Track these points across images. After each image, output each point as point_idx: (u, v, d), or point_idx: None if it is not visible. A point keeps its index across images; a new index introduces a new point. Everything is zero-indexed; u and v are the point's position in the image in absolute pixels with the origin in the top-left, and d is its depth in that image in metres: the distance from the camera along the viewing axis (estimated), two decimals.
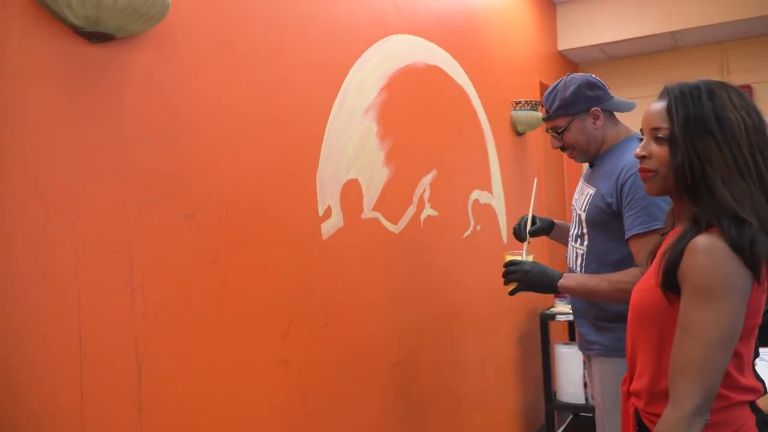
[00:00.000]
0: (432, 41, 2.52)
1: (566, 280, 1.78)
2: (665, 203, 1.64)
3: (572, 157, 1.95)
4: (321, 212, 1.81)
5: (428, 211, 2.41)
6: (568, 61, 4.58)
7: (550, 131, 1.93)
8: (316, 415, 1.73)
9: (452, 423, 2.52)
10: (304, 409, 1.69)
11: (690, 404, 1.06)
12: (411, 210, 2.30)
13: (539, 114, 3.38)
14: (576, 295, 1.87)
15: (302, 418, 1.68)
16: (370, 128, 2.06)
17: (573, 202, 2.03)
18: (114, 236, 1.23)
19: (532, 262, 1.83)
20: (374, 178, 2.08)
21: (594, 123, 1.86)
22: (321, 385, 1.76)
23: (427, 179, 2.42)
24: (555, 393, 3.27)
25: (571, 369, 3.17)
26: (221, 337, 1.45)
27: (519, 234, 2.04)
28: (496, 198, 3.09)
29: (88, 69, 1.20)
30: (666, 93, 1.26)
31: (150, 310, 1.28)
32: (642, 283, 1.28)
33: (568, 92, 1.87)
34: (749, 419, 1.18)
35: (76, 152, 1.17)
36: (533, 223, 2.01)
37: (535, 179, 2.17)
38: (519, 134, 3.43)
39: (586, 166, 2.06)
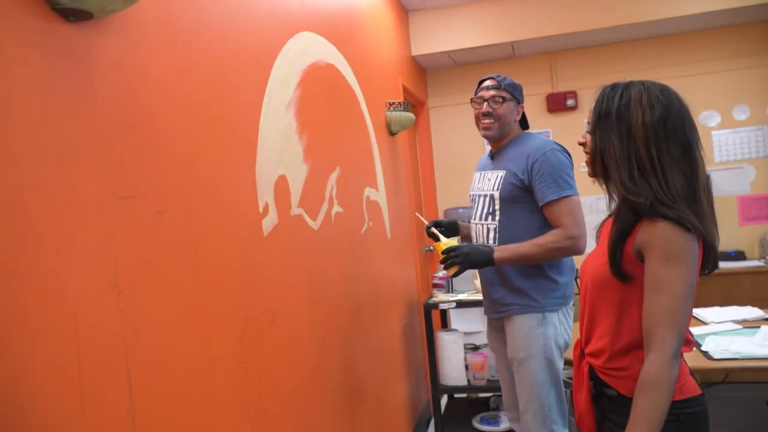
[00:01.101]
0: (328, 39, 2.55)
1: (500, 253, 2.10)
2: (570, 176, 2.08)
3: (487, 128, 2.28)
4: (261, 209, 1.77)
5: (336, 207, 2.45)
6: (419, 66, 4.85)
7: (489, 99, 2.25)
8: (270, 413, 1.69)
9: (352, 414, 2.57)
10: (260, 408, 1.64)
11: (670, 348, 1.24)
12: (325, 206, 2.31)
13: (411, 115, 3.55)
14: (510, 263, 2.15)
15: (258, 417, 1.63)
16: (291, 124, 2.05)
17: (474, 191, 2.40)
18: (97, 233, 1.11)
19: (467, 244, 2.15)
20: (297, 174, 2.07)
21: (516, 114, 2.30)
22: (275, 384, 1.72)
23: (334, 176, 2.45)
24: (438, 377, 3.46)
25: (453, 354, 3.38)
26: (191, 337, 1.37)
27: (431, 233, 2.34)
28: (381, 195, 3.20)
29: (61, 49, 1.08)
30: (598, 93, 1.47)
31: (134, 312, 1.18)
32: (596, 258, 1.45)
33: (516, 83, 2.30)
34: (685, 366, 1.40)
35: (56, 139, 1.05)
36: (436, 225, 2.38)
37: (417, 213, 2.84)
38: (392, 134, 3.58)
39: (480, 164, 2.47)
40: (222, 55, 1.61)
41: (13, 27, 0.98)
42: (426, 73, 5.06)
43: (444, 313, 3.88)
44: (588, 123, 1.47)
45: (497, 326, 2.39)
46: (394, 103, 3.49)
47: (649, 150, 1.33)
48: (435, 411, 3.42)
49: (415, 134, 4.84)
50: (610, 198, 1.45)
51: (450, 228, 2.41)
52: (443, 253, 2.09)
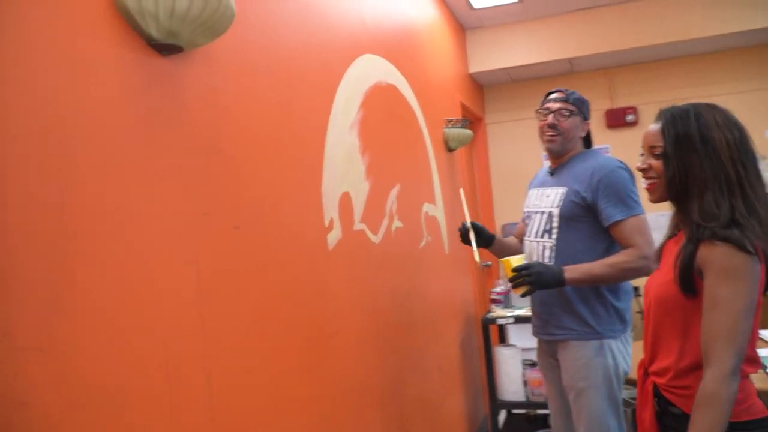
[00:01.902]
0: (389, 60, 2.65)
1: (571, 273, 2.00)
2: (636, 194, 2.02)
3: (550, 141, 2.22)
4: (326, 223, 1.86)
5: (396, 222, 2.52)
6: (477, 83, 4.90)
7: (555, 111, 2.20)
8: (342, 411, 1.77)
9: (406, 425, 2.62)
10: (329, 407, 1.73)
11: (728, 364, 1.25)
12: (385, 222, 2.39)
13: (469, 132, 3.61)
14: (580, 284, 2.07)
15: (330, 414, 1.72)
16: (354, 143, 2.14)
17: (529, 207, 2.34)
18: (182, 245, 1.22)
19: (539, 263, 2.05)
20: (360, 190, 2.16)
21: (581, 130, 2.25)
22: (341, 385, 1.80)
23: (394, 192, 2.53)
24: (496, 392, 3.47)
25: (512, 369, 3.39)
26: (262, 342, 1.47)
27: (466, 238, 2.26)
28: (438, 210, 3.26)
29: (158, 80, 1.20)
30: (660, 116, 1.49)
31: (213, 319, 1.29)
32: (661, 277, 1.47)
33: (584, 99, 2.26)
34: (752, 387, 1.40)
35: (149, 161, 1.16)
36: (474, 227, 2.25)
37: (461, 189, 2.51)
38: (450, 150, 3.64)
39: (536, 180, 2.40)
40: (291, 81, 1.72)
41: (116, 61, 1.10)
42: (483, 90, 5.10)
43: (502, 328, 3.89)
44: (651, 148, 1.48)
45: (549, 350, 2.28)
46: (452, 120, 3.55)
47: (737, 169, 1.36)
48: (492, 426, 3.43)
49: (471, 150, 4.89)
50: (680, 222, 1.48)
51: (484, 237, 2.29)
52: (514, 270, 1.97)
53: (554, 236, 2.17)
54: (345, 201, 2.02)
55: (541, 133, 2.25)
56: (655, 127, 1.48)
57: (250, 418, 1.39)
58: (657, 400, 1.49)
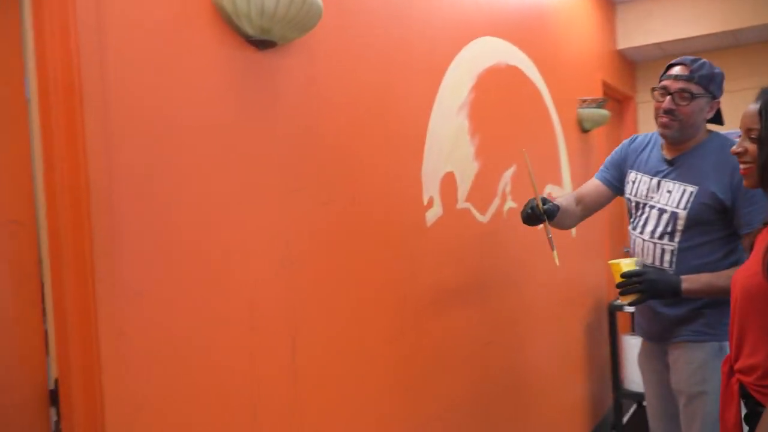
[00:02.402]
0: (510, 42, 2.66)
1: (690, 284, 1.81)
2: None
3: (665, 126, 1.93)
4: (425, 202, 1.97)
5: (510, 203, 2.56)
6: (627, 60, 4.66)
7: (674, 92, 1.89)
8: (427, 381, 1.89)
9: (523, 407, 2.65)
10: (413, 377, 1.85)
11: None
12: (496, 202, 2.44)
13: (605, 112, 3.49)
14: (700, 296, 1.87)
15: (412, 383, 1.85)
16: (462, 125, 2.21)
17: (641, 198, 2.05)
18: (273, 218, 1.41)
19: (653, 269, 1.86)
20: (466, 171, 2.23)
21: (706, 112, 1.92)
22: (429, 357, 1.92)
23: (509, 173, 2.56)
24: (622, 382, 3.38)
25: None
26: (350, 311, 1.62)
27: (535, 217, 1.95)
28: (566, 191, 3.21)
29: (255, 71, 1.38)
30: (760, 95, 1.40)
31: (300, 285, 1.46)
32: (747, 269, 1.40)
33: (716, 72, 1.91)
34: None
35: (246, 143, 1.35)
36: (543, 202, 1.93)
37: (524, 151, 2.07)
38: (584, 131, 3.54)
39: (644, 159, 2.09)
40: (392, 66, 1.84)
41: (219, 57, 1.30)
42: (635, 67, 4.83)
43: (633, 316, 3.74)
44: (748, 130, 1.40)
45: (657, 352, 2.11)
46: (586, 99, 3.45)
47: None
48: (616, 416, 3.35)
49: (620, 130, 4.67)
50: None
51: (553, 211, 1.94)
52: (623, 276, 1.80)
53: (677, 239, 1.93)
54: (448, 180, 2.11)
55: (656, 115, 1.96)
56: (753, 107, 1.40)
57: (333, 380, 1.55)
58: (745, 400, 1.42)
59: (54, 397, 1.06)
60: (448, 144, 2.12)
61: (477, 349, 2.23)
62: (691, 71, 1.88)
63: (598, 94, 3.84)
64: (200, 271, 1.23)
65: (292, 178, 1.47)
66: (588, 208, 2.20)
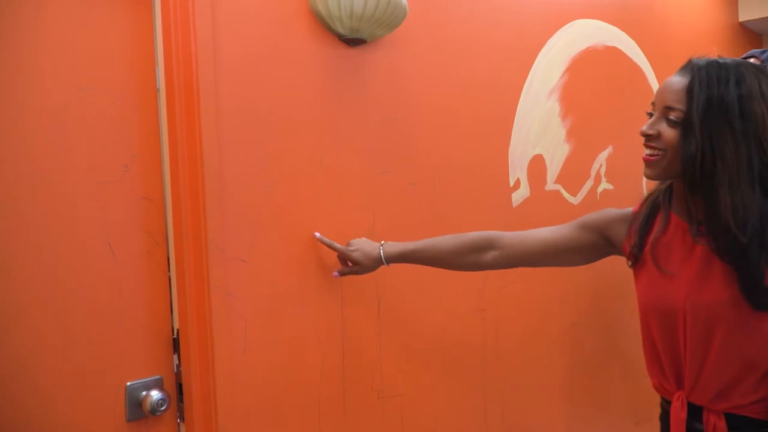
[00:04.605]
0: (610, 23, 2.64)
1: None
2: None
3: None
4: (512, 183, 2.06)
5: (604, 185, 2.57)
6: (750, 33, 4.38)
7: None
8: (506, 359, 2.00)
9: (621, 386, 2.67)
10: (496, 352, 1.97)
11: None
12: (588, 183, 2.47)
13: None
14: None
15: (494, 361, 1.96)
16: (553, 108, 2.26)
17: None
18: (362, 197, 1.57)
19: None
20: (556, 153, 2.28)
21: None
22: (512, 333, 2.03)
23: (604, 155, 2.57)
24: None
25: None
26: (432, 284, 1.76)
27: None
28: None
29: (347, 66, 1.54)
30: (689, 69, 1.12)
31: None
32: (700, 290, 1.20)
33: None
34: None
35: (338, 130, 1.52)
36: None
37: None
38: None
39: None
40: (478, 55, 1.93)
41: (315, 53, 1.47)
42: (761, 41, 4.53)
43: None
44: (667, 109, 1.11)
45: None
46: None
47: None
48: None
49: None
50: (693, 218, 1.16)
51: None
52: None
53: None
54: (537, 162, 2.17)
55: None
56: (678, 81, 1.11)
57: (417, 341, 1.71)
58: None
59: (176, 345, 1.29)
60: (538, 127, 2.18)
61: (564, 329, 2.30)
62: (764, 63, 1.83)
63: None
64: (295, 242, 1.42)
65: (381, 161, 1.62)
66: None
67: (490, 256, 1.44)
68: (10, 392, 1.09)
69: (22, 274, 1.11)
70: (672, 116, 1.11)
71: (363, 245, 1.45)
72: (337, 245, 1.45)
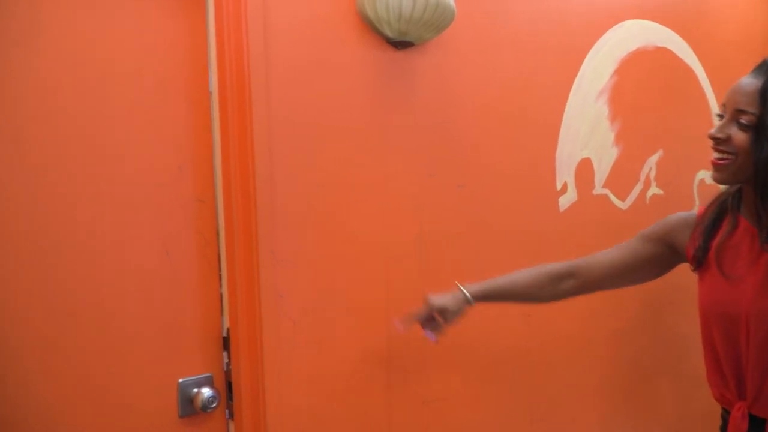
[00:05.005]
0: (661, 23, 2.59)
1: None
2: None
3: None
4: (558, 187, 2.03)
5: (654, 189, 2.51)
6: None
7: None
8: (551, 364, 1.97)
9: (673, 394, 2.61)
10: (541, 356, 1.94)
11: None
12: (638, 188, 2.42)
13: None
14: None
15: (539, 365, 1.94)
16: (602, 111, 2.23)
17: None
18: (409, 199, 1.57)
19: None
20: (604, 157, 2.24)
21: None
22: (557, 338, 2.00)
23: (654, 159, 2.52)
24: None
25: None
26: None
27: None
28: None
29: (394, 69, 1.55)
30: (764, 70, 1.09)
31: (431, 259, 1.62)
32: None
33: None
34: None
35: (385, 132, 1.53)
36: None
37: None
38: None
39: None
40: (525, 57, 1.91)
41: (364, 56, 1.49)
42: None
43: None
44: (738, 112, 1.09)
45: None
46: None
47: None
48: None
49: None
50: (764, 224, 1.12)
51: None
52: None
53: None
54: (584, 166, 2.14)
55: None
56: (750, 83, 1.08)
57: (458, 347, 1.70)
58: None
59: (226, 343, 1.32)
60: (586, 130, 2.15)
61: (604, 336, 2.25)
62: None
63: None
64: (343, 244, 1.43)
65: (428, 163, 1.62)
66: None
67: (568, 285, 1.45)
68: (71, 388, 1.13)
69: (84, 273, 1.14)
70: (743, 120, 1.08)
71: (440, 296, 1.35)
72: (419, 309, 1.35)
